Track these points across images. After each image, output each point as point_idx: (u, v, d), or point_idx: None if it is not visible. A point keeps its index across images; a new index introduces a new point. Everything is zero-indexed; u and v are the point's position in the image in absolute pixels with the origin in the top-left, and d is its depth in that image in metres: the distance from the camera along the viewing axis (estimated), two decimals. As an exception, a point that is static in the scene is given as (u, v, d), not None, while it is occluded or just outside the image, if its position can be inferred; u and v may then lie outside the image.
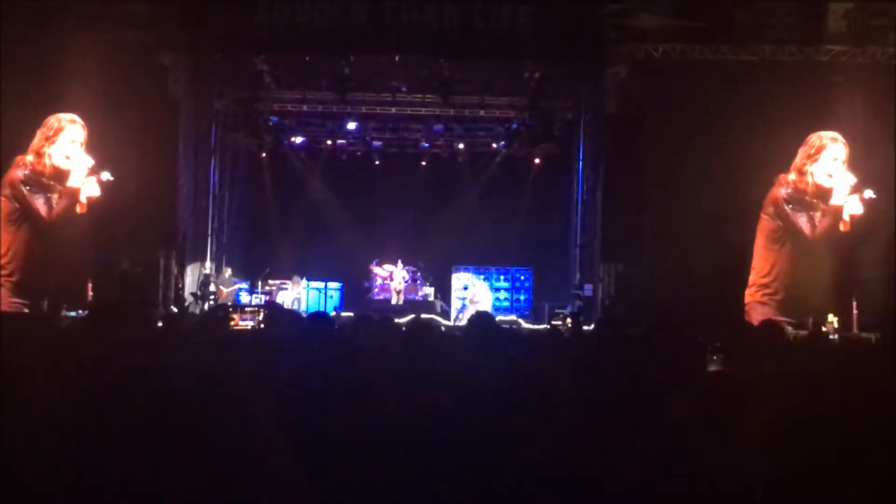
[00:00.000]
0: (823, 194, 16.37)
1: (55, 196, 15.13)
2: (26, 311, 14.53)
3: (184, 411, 3.54)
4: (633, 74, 19.54)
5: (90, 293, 17.05)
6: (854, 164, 17.59)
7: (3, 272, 13.38)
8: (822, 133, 16.44)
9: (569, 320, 18.42)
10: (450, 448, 4.21)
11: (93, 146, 16.66)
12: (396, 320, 10.20)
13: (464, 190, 26.96)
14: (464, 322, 22.09)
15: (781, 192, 16.46)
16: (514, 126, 24.77)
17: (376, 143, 26.28)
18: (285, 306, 21.51)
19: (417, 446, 4.20)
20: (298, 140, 26.10)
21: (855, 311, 17.34)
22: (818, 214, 16.50)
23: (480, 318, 7.68)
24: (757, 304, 17.13)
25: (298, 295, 24.08)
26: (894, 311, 15.98)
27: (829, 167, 16.30)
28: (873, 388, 4.08)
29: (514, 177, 26.50)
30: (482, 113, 24.72)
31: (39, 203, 14.71)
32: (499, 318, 22.06)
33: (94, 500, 3.04)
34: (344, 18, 18.96)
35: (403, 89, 23.60)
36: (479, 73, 22.39)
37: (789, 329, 15.15)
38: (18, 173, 14.87)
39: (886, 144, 17.91)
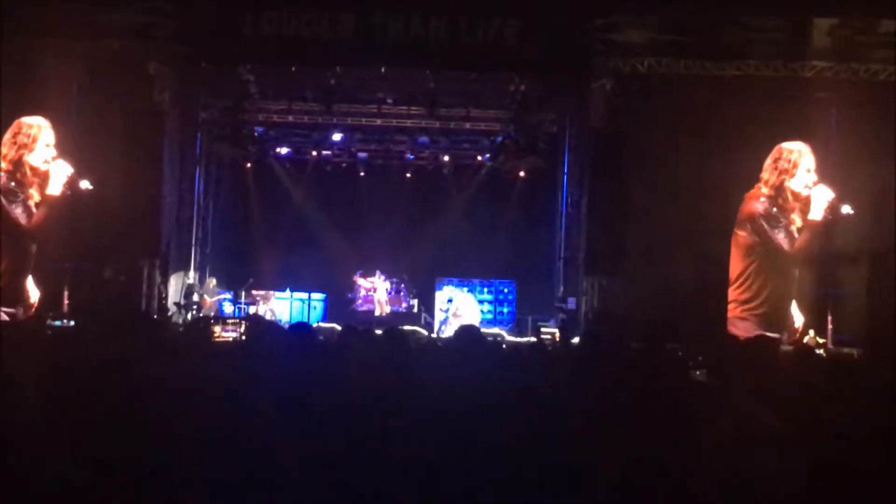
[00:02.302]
0: (803, 208, 16.40)
1: (33, 204, 15.04)
2: (4, 318, 14.45)
3: (172, 423, 3.51)
4: (619, 88, 19.56)
5: (66, 302, 16.95)
6: (834, 179, 17.65)
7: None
8: (791, 146, 16.45)
9: (557, 333, 18.44)
10: (435, 461, 4.20)
11: (75, 155, 16.60)
12: (378, 332, 10.19)
13: (448, 202, 27.00)
14: (446, 334, 22.10)
15: (758, 207, 16.48)
16: (500, 139, 24.84)
17: (361, 155, 26.31)
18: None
19: (401, 459, 4.18)
20: (284, 151, 26.12)
21: (830, 327, 17.39)
22: (795, 229, 16.52)
23: (467, 331, 7.67)
24: (737, 320, 17.15)
25: (271, 307, 24.05)
26: (880, 327, 16.05)
27: (804, 179, 16.34)
28: (863, 403, 4.09)
29: (498, 189, 26.53)
30: (467, 125, 24.75)
31: (18, 212, 14.64)
32: (482, 330, 22.10)
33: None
34: (330, 30, 18.97)
35: (389, 101, 23.64)
36: (465, 85, 22.42)
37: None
38: (-6, 183, 14.79)
39: (866, 160, 17.98)
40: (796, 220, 16.64)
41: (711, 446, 3.50)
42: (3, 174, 14.94)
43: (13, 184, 14.83)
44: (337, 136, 24.77)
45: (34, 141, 15.27)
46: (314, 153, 26.20)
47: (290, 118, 24.61)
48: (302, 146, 26.18)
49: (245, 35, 18.92)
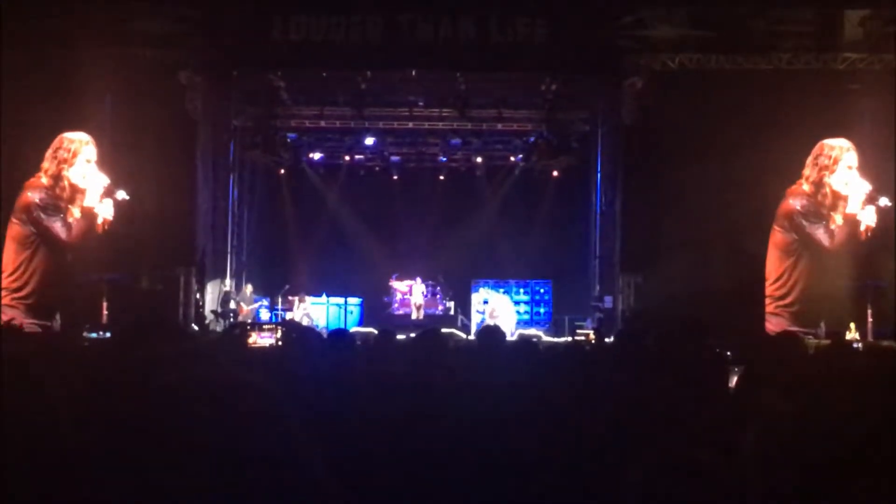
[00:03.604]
0: (840, 204, 16.28)
1: (72, 218, 15.09)
2: (38, 329, 14.49)
3: (210, 428, 3.53)
4: (650, 85, 19.50)
5: (105, 312, 17.03)
6: (869, 171, 17.52)
7: (19, 294, 13.37)
8: (833, 142, 16.29)
9: (592, 335, 18.37)
10: (468, 464, 4.19)
11: (111, 165, 16.66)
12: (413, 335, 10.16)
13: (482, 203, 27.01)
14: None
15: (796, 204, 16.35)
16: (532, 139, 24.81)
17: (394, 158, 26.38)
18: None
19: (434, 460, 4.19)
20: (317, 156, 26.19)
21: (870, 320, 17.26)
22: (834, 225, 16.38)
23: (487, 333, 7.66)
24: (771, 316, 17.05)
25: (307, 311, 24.06)
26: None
27: (845, 176, 16.20)
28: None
29: (532, 189, 26.52)
30: (499, 126, 24.75)
31: (57, 226, 14.70)
32: (519, 331, 22.07)
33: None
34: (360, 34, 19.01)
35: (420, 104, 23.65)
36: (496, 86, 22.42)
37: (810, 339, 15.11)
38: (35, 197, 14.82)
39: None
40: (835, 217, 16.50)
41: (743, 447, 3.48)
42: (43, 189, 14.98)
43: (53, 198, 14.87)
44: (369, 140, 24.79)
45: (74, 156, 15.30)
46: (347, 158, 26.26)
47: (323, 123, 24.67)
48: (335, 151, 26.26)
49: (274, 41, 18.98)
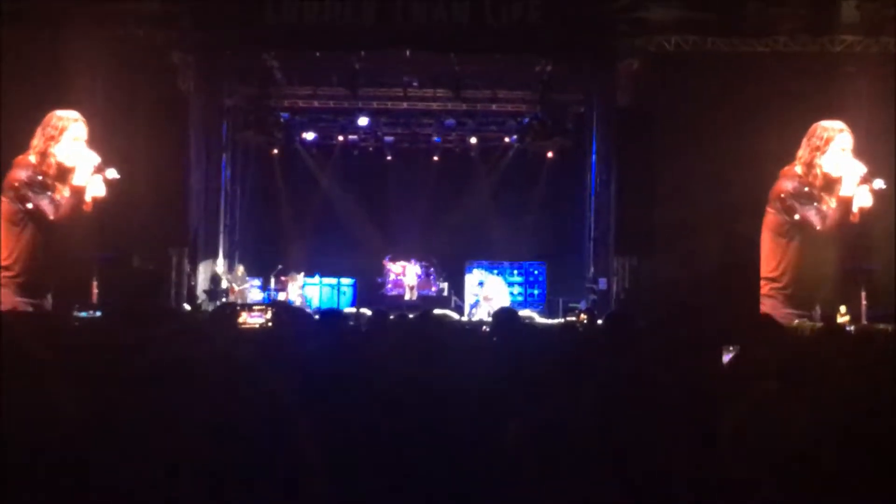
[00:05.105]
0: (832, 185, 16.20)
1: (60, 196, 14.95)
2: (30, 309, 14.38)
3: (201, 407, 3.48)
4: (645, 67, 19.44)
5: (94, 291, 16.97)
6: (864, 154, 17.49)
7: (9, 273, 13.27)
8: (827, 123, 16.17)
9: (583, 316, 18.35)
10: (463, 444, 4.16)
11: (101, 145, 16.59)
12: (409, 315, 10.13)
13: (476, 184, 26.95)
14: (476, 318, 22.06)
15: (788, 186, 16.23)
16: (526, 120, 24.77)
17: (388, 139, 26.31)
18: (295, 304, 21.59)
19: (432, 442, 4.16)
20: (310, 136, 26.12)
21: (864, 302, 17.24)
22: (826, 207, 16.31)
23: (505, 313, 7.61)
24: (765, 298, 17.00)
25: (300, 292, 24.02)
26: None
27: (837, 158, 16.11)
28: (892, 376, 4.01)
29: (526, 171, 26.46)
30: (494, 107, 24.74)
31: (45, 203, 14.53)
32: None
33: (117, 481, 2.98)
34: (354, 15, 18.90)
35: (415, 84, 23.59)
36: (491, 67, 22.37)
37: (805, 322, 15.07)
38: (22, 175, 14.65)
39: (896, 134, 17.83)
40: (828, 199, 16.44)
41: (733, 429, 3.44)
42: (31, 167, 14.85)
43: (39, 176, 14.73)
44: (363, 121, 24.76)
45: (62, 133, 15.13)
46: (340, 138, 26.20)
47: (316, 103, 24.63)
48: (328, 131, 26.21)
49: (267, 22, 18.87)
